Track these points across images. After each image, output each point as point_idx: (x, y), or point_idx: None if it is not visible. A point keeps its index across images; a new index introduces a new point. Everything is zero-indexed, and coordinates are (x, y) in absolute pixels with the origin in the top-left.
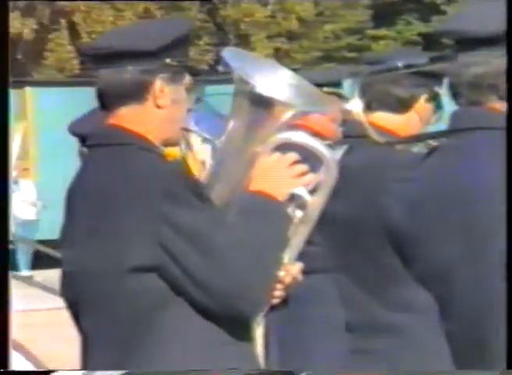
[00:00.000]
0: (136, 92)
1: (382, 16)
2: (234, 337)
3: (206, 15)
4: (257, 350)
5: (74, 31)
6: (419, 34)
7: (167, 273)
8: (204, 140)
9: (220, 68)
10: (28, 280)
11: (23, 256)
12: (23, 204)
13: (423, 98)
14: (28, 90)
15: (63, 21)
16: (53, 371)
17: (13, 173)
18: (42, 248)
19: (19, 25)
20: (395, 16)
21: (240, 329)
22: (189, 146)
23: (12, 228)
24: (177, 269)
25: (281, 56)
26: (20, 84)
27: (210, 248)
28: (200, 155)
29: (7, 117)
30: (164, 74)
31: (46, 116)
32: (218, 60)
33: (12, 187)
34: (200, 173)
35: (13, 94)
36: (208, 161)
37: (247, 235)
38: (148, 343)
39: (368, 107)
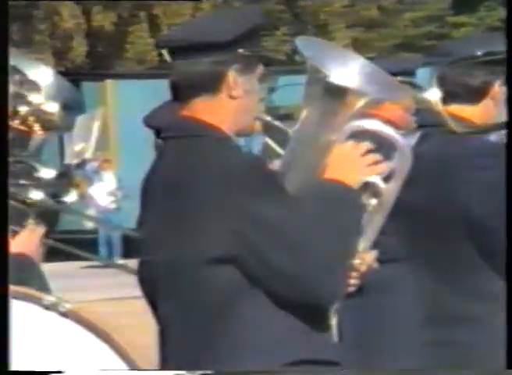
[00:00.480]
0: (210, 83)
1: (463, 3)
2: (312, 326)
3: (284, 5)
4: (334, 339)
5: (154, 24)
6: (501, 20)
7: (244, 263)
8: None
9: (297, 58)
10: (122, 268)
11: (106, 245)
12: (104, 194)
13: (497, 83)
14: (109, 82)
15: (143, 14)
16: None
17: (94, 163)
18: (131, 232)
19: (101, 18)
20: (477, 2)
21: (317, 318)
22: None
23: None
24: (255, 260)
25: (359, 45)
26: (101, 77)
27: (287, 238)
28: None
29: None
30: (237, 65)
31: (126, 107)
32: (296, 50)
33: (94, 177)
34: None
35: (94, 87)
36: None
37: (323, 223)
38: (226, 332)
39: (444, 100)
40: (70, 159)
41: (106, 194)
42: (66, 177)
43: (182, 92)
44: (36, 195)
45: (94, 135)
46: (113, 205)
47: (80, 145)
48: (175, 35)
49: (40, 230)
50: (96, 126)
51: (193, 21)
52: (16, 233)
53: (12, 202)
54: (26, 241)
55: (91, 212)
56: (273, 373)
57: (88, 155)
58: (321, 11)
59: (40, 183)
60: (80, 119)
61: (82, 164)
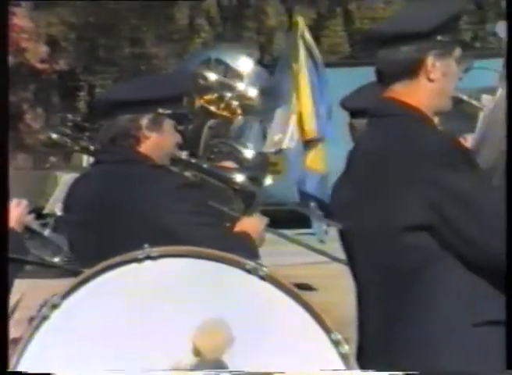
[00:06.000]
0: (410, 69)
1: None
2: (499, 289)
3: None
4: None
5: (348, 18)
6: None
7: (439, 231)
8: (476, 109)
9: (477, 44)
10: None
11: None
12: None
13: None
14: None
15: (339, 9)
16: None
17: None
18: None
19: (300, 15)
20: None
21: (503, 281)
22: None
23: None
24: (448, 229)
25: None
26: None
27: (479, 209)
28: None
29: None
30: (436, 50)
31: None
32: (476, 38)
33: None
34: None
35: (291, 75)
36: None
37: None
38: (420, 293)
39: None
40: (268, 148)
41: None
42: (264, 163)
43: (385, 77)
44: (239, 178)
45: (291, 126)
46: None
47: (278, 136)
48: (382, 28)
49: (265, 219)
50: (293, 118)
51: (397, 14)
52: (232, 216)
53: (218, 183)
54: (253, 226)
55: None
56: None
57: (284, 145)
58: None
59: (241, 169)
60: (278, 112)
61: (279, 152)
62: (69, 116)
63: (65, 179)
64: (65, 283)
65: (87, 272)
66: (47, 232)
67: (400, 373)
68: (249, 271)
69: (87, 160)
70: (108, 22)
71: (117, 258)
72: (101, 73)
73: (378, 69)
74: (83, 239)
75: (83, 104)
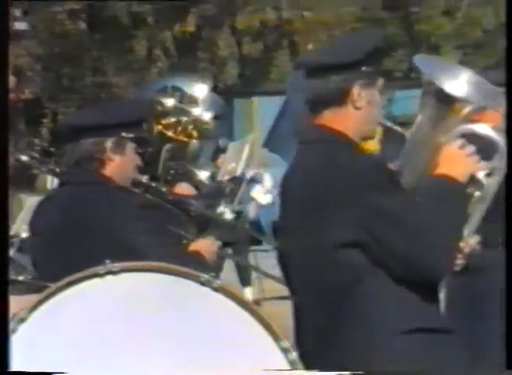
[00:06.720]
0: (338, 97)
1: None
2: (424, 299)
3: (401, 30)
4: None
5: (294, 49)
6: None
7: (369, 248)
8: (394, 133)
9: (413, 75)
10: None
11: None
12: (263, 193)
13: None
14: (255, 99)
15: (285, 41)
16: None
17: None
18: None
19: (249, 47)
20: None
21: (428, 292)
22: None
23: (254, 212)
24: (378, 246)
25: (466, 63)
26: (248, 95)
27: (404, 226)
28: None
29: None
30: (361, 80)
31: (269, 120)
32: (411, 68)
33: (256, 181)
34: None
35: (244, 103)
36: None
37: (434, 212)
38: (354, 305)
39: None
40: (223, 176)
41: (265, 192)
42: (219, 191)
43: (314, 105)
44: (194, 205)
45: (244, 157)
46: (271, 201)
47: (232, 165)
48: (309, 58)
49: (218, 243)
50: (246, 148)
51: (324, 46)
52: (186, 238)
53: (176, 210)
54: (206, 247)
55: (253, 210)
56: None
57: (238, 172)
58: (433, 34)
59: (197, 196)
60: (232, 144)
61: (233, 180)
62: (36, 140)
63: (31, 201)
64: (32, 298)
65: (51, 287)
66: (11, 252)
67: (347, 373)
68: (203, 283)
69: (51, 182)
70: (72, 53)
71: (79, 274)
72: (64, 101)
73: (307, 97)
74: (49, 259)
75: (46, 130)
